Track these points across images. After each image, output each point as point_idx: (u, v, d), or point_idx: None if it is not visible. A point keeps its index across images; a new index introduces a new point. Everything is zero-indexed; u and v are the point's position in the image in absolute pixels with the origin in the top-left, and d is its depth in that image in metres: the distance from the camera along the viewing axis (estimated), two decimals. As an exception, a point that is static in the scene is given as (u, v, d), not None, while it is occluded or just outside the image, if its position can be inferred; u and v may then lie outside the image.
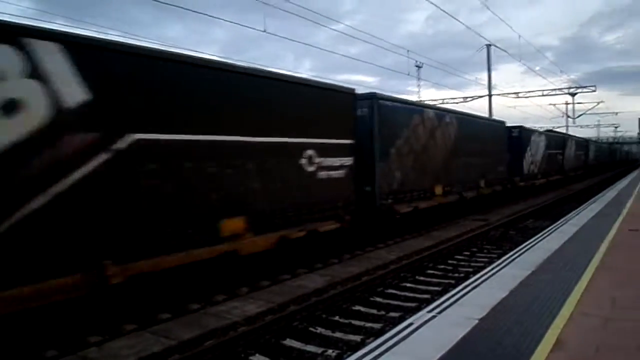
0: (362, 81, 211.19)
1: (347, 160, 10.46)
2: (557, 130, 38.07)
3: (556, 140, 31.85)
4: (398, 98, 13.49)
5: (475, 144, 17.63)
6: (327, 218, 9.79)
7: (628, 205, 15.35)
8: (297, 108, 9.13)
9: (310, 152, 9.35)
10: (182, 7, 12.94)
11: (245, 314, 6.60)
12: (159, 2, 11.56)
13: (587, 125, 72.91)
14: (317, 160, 9.54)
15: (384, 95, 12.36)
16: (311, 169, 9.42)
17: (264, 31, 15.16)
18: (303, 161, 9.22)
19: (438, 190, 14.94)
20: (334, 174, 10.05)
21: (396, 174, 12.52)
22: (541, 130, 30.34)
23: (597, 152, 55.62)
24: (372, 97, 11.68)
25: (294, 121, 9.04)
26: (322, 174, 9.71)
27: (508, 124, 22.84)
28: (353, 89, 10.93)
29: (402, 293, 8.05)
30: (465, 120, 17.34)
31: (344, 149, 10.37)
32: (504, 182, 21.02)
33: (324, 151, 9.71)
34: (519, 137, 23.53)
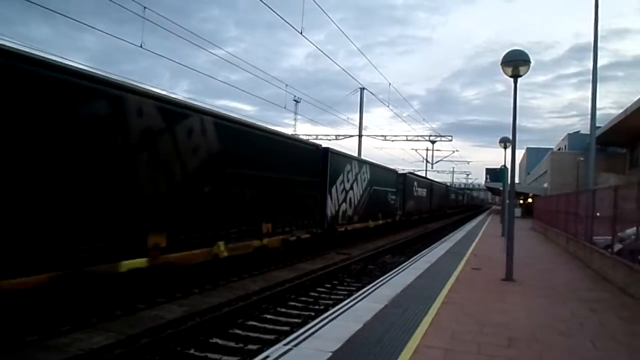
0: (240, 109, 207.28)
1: (315, 193, 15.47)
2: (418, 173, 45.78)
3: (427, 185, 40.14)
4: (341, 151, 18.85)
5: (378, 186, 23.79)
6: (305, 229, 14.61)
7: (473, 245, 17.09)
8: (294, 156, 13.99)
9: (299, 185, 14.20)
10: (49, 9, 11.56)
11: (92, 347, 6.12)
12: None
13: (443, 171, 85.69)
14: (302, 191, 14.41)
15: (335, 149, 17.64)
16: (299, 195, 14.25)
17: (140, 46, 14.64)
18: (296, 190, 14.02)
19: (356, 218, 20.56)
20: (309, 200, 14.96)
21: (336, 204, 17.80)
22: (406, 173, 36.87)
23: (455, 196, 67.62)
24: (327, 150, 16.90)
25: (292, 164, 13.86)
26: (304, 201, 14.57)
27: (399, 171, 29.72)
28: (320, 145, 16.11)
29: (263, 325, 7.92)
30: (374, 168, 23.46)
31: (315, 184, 15.38)
32: (392, 216, 27.57)
33: (305, 185, 14.62)
34: (404, 181, 30.52)
